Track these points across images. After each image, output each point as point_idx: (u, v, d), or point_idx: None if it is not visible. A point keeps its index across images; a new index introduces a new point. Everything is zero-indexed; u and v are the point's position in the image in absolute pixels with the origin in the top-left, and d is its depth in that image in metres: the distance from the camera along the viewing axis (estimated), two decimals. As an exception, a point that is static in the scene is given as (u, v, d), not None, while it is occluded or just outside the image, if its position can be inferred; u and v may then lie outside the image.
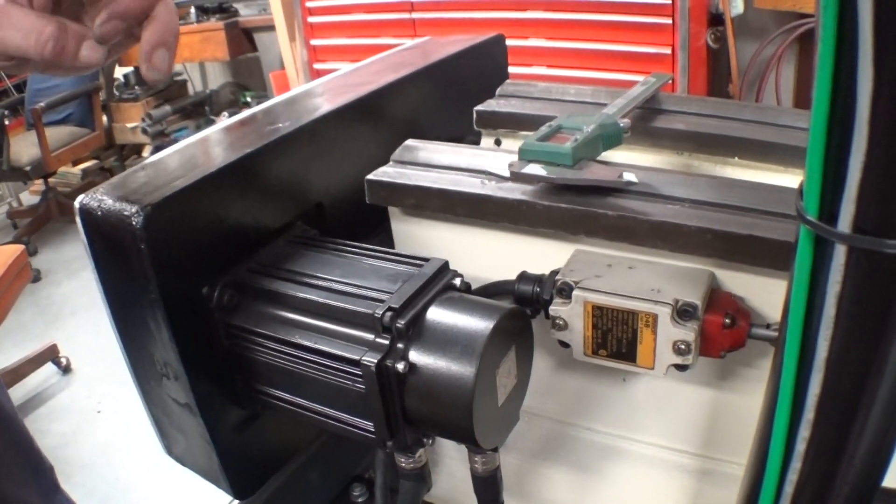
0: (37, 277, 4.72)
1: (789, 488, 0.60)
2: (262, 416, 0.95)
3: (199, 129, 5.84)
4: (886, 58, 0.42)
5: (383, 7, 3.82)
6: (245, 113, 1.04)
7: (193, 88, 6.44)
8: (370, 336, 0.77)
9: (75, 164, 6.02)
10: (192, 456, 0.97)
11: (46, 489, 1.54)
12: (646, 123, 1.13)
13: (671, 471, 1.01)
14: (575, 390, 1.03)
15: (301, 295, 0.84)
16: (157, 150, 5.88)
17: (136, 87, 5.98)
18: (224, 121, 1.02)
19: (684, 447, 0.99)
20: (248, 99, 5.79)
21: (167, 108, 5.89)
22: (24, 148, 5.06)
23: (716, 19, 3.76)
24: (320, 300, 0.82)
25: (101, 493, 2.97)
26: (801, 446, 0.57)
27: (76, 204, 0.85)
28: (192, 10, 5.38)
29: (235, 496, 0.99)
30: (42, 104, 4.91)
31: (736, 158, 1.09)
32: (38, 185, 5.62)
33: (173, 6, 0.75)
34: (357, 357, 0.76)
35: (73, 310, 4.46)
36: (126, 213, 0.78)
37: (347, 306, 0.80)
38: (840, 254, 0.49)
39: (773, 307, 0.80)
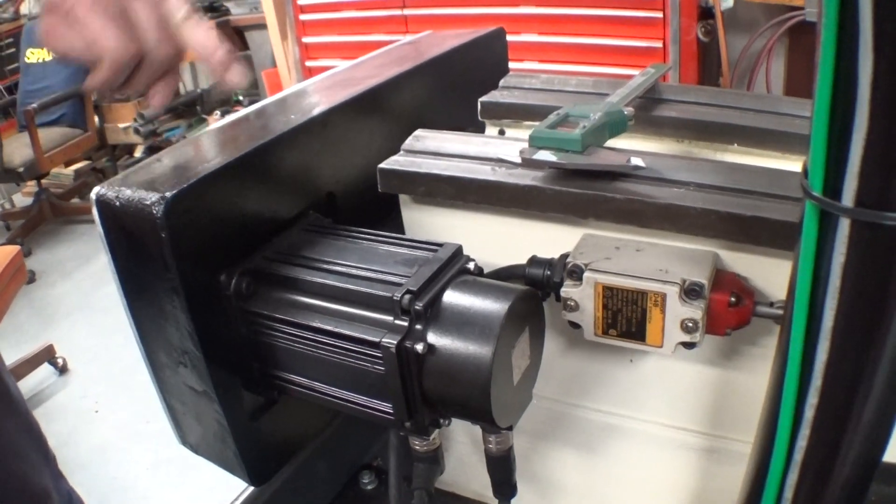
0: (31, 279, 4.72)
1: (799, 455, 0.62)
2: (278, 403, 0.97)
3: (190, 128, 5.85)
4: (885, 41, 0.45)
5: (375, 4, 3.83)
6: (255, 106, 1.06)
7: (185, 88, 6.43)
8: (389, 318, 0.79)
9: (67, 164, 6.02)
10: (207, 444, 0.98)
11: (55, 475, 1.56)
12: (647, 112, 1.16)
13: (678, 449, 1.03)
14: (583, 371, 1.05)
15: (318, 280, 0.85)
16: (149, 149, 5.90)
17: (127, 88, 6.00)
18: (235, 114, 1.04)
19: (690, 426, 1.01)
20: (240, 97, 5.79)
21: (159, 107, 5.89)
22: (16, 149, 5.05)
23: (706, 13, 3.77)
24: (338, 285, 0.84)
25: (99, 493, 2.98)
26: (809, 413, 0.60)
27: (93, 195, 0.86)
28: (183, 10, 5.38)
29: (252, 483, 1.01)
30: (34, 105, 4.90)
31: (735, 145, 1.11)
32: (31, 186, 5.61)
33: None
34: (377, 339, 0.78)
35: (69, 311, 4.46)
36: (147, 202, 0.80)
37: (366, 290, 0.82)
38: (844, 227, 0.52)
39: (777, 286, 0.83)
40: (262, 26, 4.80)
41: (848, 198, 0.50)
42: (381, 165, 0.99)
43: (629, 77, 1.19)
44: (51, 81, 5.39)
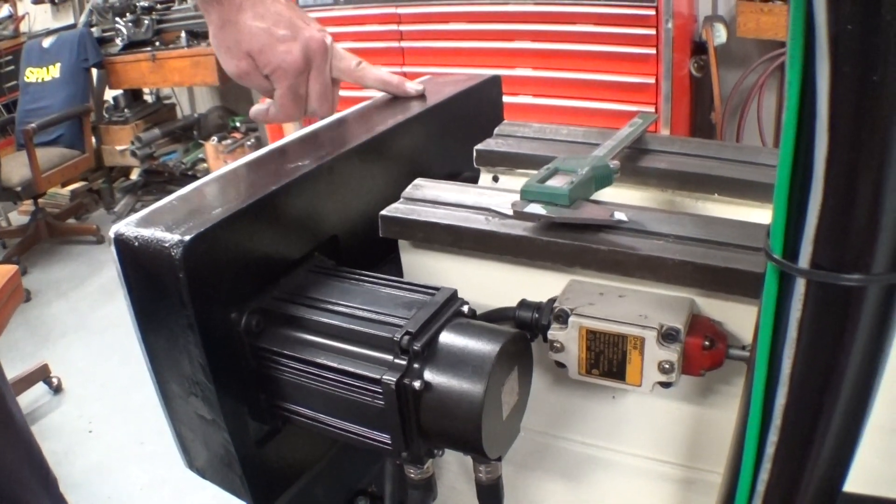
0: (27, 297, 4.73)
1: (761, 487, 0.68)
2: (282, 431, 1.02)
3: (187, 152, 5.87)
4: (838, 126, 0.52)
5: (372, 36, 3.86)
6: (264, 150, 1.11)
7: (182, 112, 6.46)
8: (389, 357, 0.85)
9: (64, 185, 6.03)
10: (214, 469, 1.03)
11: (56, 500, 1.58)
12: (633, 163, 1.21)
13: (657, 480, 1.09)
14: (568, 406, 1.11)
15: (323, 320, 0.91)
16: (145, 172, 5.93)
17: (126, 110, 6.01)
18: (246, 157, 1.09)
19: (669, 458, 1.07)
20: (237, 124, 5.82)
21: (156, 131, 5.90)
22: (14, 168, 5.07)
23: (699, 48, 3.83)
24: (342, 325, 0.90)
25: (94, 512, 3.03)
26: (770, 449, 0.66)
27: (111, 233, 0.91)
28: (183, 34, 5.42)
29: None
30: (33, 125, 4.93)
31: (716, 195, 1.17)
32: (28, 205, 5.62)
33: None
34: (378, 376, 0.84)
35: (64, 331, 4.48)
36: (166, 243, 0.85)
37: (367, 330, 0.88)
38: (800, 286, 0.58)
39: (748, 331, 0.88)
40: (262, 54, 4.82)
41: (804, 260, 0.57)
42: (383, 212, 1.04)
43: (621, 112, 1.26)
44: (50, 101, 5.42)
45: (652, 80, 3.40)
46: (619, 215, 0.95)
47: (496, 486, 1.00)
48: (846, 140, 0.52)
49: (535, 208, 0.96)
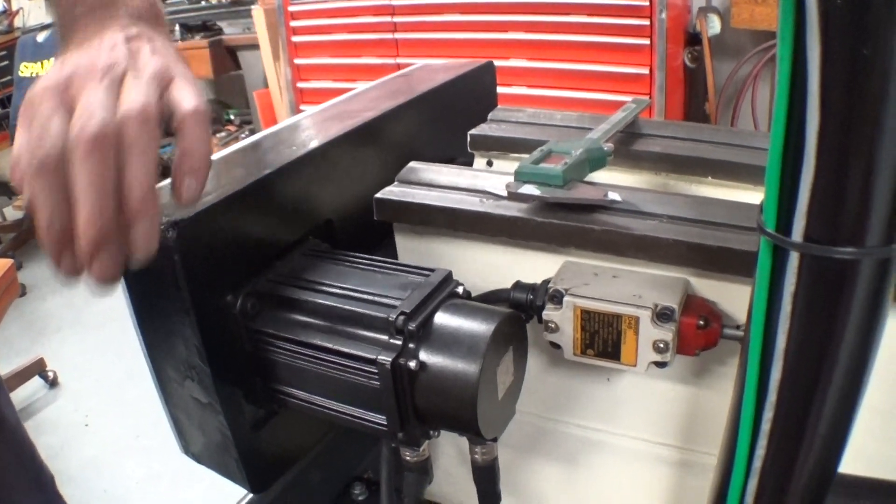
0: (22, 292, 4.72)
1: (758, 464, 0.68)
2: (277, 415, 1.02)
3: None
4: (829, 101, 0.52)
5: (366, 27, 3.86)
6: (257, 136, 1.12)
7: (177, 107, 6.44)
8: (384, 338, 0.85)
9: (58, 181, 6.02)
10: (210, 454, 1.03)
11: (49, 499, 1.57)
12: (627, 147, 1.22)
13: (652, 462, 1.09)
14: (563, 389, 1.11)
15: (319, 301, 0.91)
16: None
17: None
18: (239, 143, 1.09)
19: (664, 440, 1.07)
20: (231, 117, 5.82)
21: (151, 125, 5.90)
22: (8, 162, 5.06)
23: (693, 39, 3.83)
24: (337, 306, 0.90)
25: (90, 507, 3.03)
26: (766, 426, 0.65)
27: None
28: (177, 28, 5.41)
29: (251, 490, 1.06)
30: (28, 121, 4.92)
31: (709, 178, 1.18)
32: (22, 200, 5.61)
33: (202, 126, 0.77)
34: (373, 356, 0.84)
35: (59, 325, 4.48)
36: (161, 226, 0.84)
37: (363, 311, 0.88)
38: (794, 259, 0.58)
39: (742, 311, 0.89)
40: (254, 47, 4.83)
41: (797, 234, 0.57)
42: (377, 195, 1.05)
43: (615, 102, 1.26)
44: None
45: (646, 71, 3.40)
46: (613, 195, 0.95)
47: (492, 467, 1.00)
48: (837, 114, 0.53)
49: (530, 189, 0.96)
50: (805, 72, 0.52)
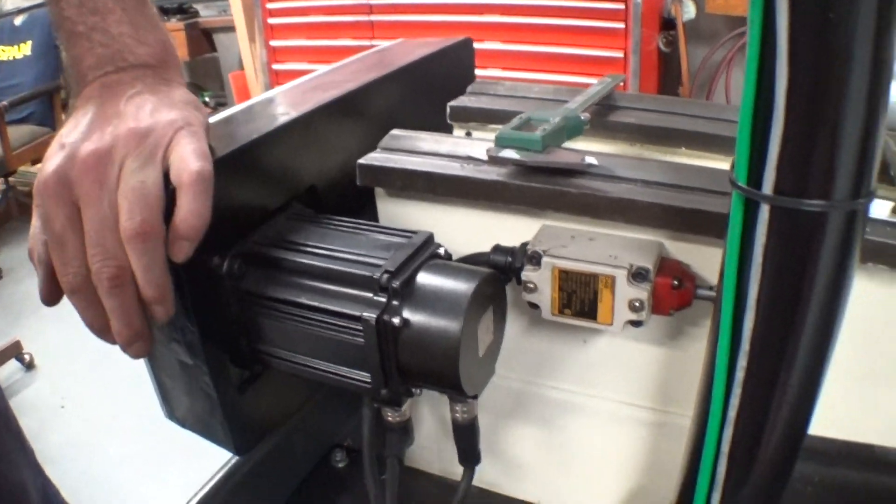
0: (-1, 275, 4.73)
1: (732, 413, 0.70)
2: (262, 376, 1.04)
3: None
4: (797, 61, 0.55)
5: (342, 9, 3.87)
6: (244, 105, 1.13)
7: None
8: (369, 295, 0.87)
9: (34, 163, 6.00)
10: (194, 416, 1.04)
11: (35, 471, 1.57)
12: (602, 118, 1.25)
13: (629, 424, 1.12)
14: (541, 352, 1.13)
15: (304, 261, 0.93)
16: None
17: (96, 87, 5.97)
18: (224, 111, 1.10)
19: (640, 402, 1.10)
20: (206, 99, 5.81)
21: (126, 108, 5.88)
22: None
23: (668, 24, 3.86)
24: (322, 265, 0.92)
25: (69, 487, 2.97)
26: (739, 374, 0.68)
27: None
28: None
29: (236, 451, 1.07)
30: (5, 103, 4.89)
31: (683, 149, 1.21)
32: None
33: (202, 196, 0.82)
34: (358, 313, 0.86)
35: (36, 307, 4.40)
36: None
37: (348, 270, 0.90)
38: (764, 212, 0.61)
39: (715, 273, 0.90)
40: (230, 29, 4.82)
41: (767, 187, 0.60)
42: (360, 161, 1.07)
43: (589, 86, 1.28)
44: (21, 79, 5.39)
45: (620, 55, 3.43)
46: (590, 160, 0.98)
47: (472, 425, 1.02)
48: (805, 73, 0.55)
49: (509, 153, 0.99)
50: (774, 32, 0.55)
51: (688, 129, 1.20)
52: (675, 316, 0.95)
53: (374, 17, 3.83)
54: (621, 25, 3.41)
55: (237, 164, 0.96)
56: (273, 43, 4.21)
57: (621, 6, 3.38)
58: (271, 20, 4.15)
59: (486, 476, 1.24)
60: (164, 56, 0.92)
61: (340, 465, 1.35)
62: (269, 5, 4.11)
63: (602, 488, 1.19)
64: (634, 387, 1.09)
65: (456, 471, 1.07)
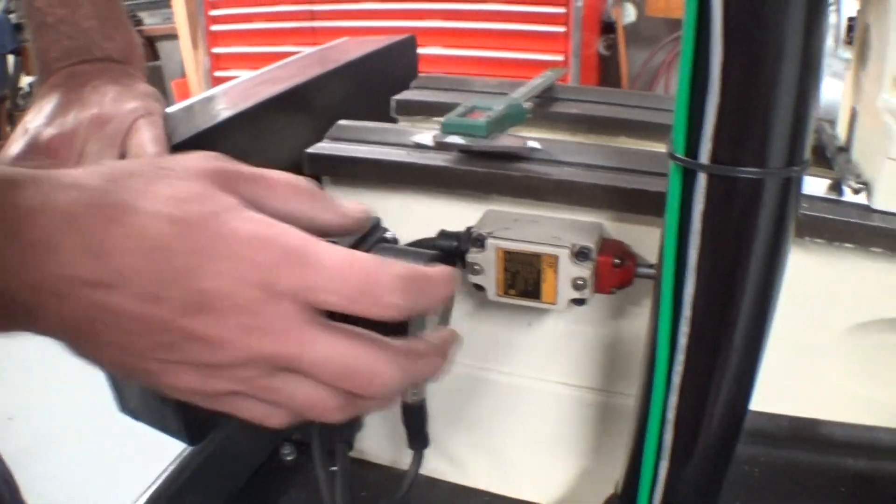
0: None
1: (677, 379, 0.72)
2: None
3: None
4: (731, 34, 0.58)
5: (284, 16, 3.86)
6: (193, 99, 1.14)
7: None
8: (317, 278, 0.89)
9: (-25, 175, 5.94)
10: (146, 407, 1.05)
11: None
12: (544, 109, 1.27)
13: (575, 406, 1.14)
14: (487, 336, 1.15)
15: (254, 248, 0.94)
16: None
17: (40, 97, 5.94)
18: (174, 106, 1.11)
19: (585, 383, 1.12)
20: (153, 111, 5.77)
21: (70, 118, 5.84)
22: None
23: (608, 28, 3.89)
24: (272, 250, 0.93)
25: (23, 491, 3.00)
26: (682, 340, 0.70)
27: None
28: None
29: (189, 441, 1.08)
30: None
31: (623, 138, 1.23)
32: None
33: None
34: (308, 296, 0.87)
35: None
36: None
37: (298, 254, 0.91)
38: (702, 181, 0.64)
39: (654, 252, 0.93)
40: (173, 36, 4.80)
41: (704, 156, 0.62)
42: (308, 150, 1.08)
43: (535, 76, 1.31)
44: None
45: (561, 58, 3.45)
46: (533, 144, 1.00)
47: (421, 407, 1.04)
48: (739, 45, 0.58)
49: (455, 139, 1.01)
50: (709, 6, 0.57)
51: (628, 118, 1.23)
52: (616, 296, 0.98)
53: (316, 24, 3.83)
54: (562, 29, 3.44)
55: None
56: (215, 50, 4.19)
57: (562, 10, 3.41)
58: (214, 27, 4.14)
59: (433, 464, 1.26)
60: (129, 52, 0.95)
61: (289, 458, 1.36)
62: (213, 12, 4.09)
63: (550, 472, 1.21)
64: (579, 369, 1.12)
65: (405, 460, 1.09)
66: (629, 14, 3.90)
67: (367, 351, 0.60)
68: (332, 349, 0.58)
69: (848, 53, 1.07)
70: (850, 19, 1.46)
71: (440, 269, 0.64)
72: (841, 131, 1.08)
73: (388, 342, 0.63)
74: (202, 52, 4.26)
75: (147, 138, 0.83)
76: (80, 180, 0.52)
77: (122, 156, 0.82)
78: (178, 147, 0.94)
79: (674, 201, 0.67)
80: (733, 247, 0.66)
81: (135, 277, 0.51)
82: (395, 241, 0.94)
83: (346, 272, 0.57)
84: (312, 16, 3.82)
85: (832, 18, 1.07)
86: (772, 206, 0.64)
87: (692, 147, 0.64)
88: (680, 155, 0.65)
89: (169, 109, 1.09)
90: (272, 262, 0.54)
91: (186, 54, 4.51)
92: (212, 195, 0.55)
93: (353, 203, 0.71)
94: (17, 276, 0.49)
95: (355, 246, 0.90)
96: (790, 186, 0.64)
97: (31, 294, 0.50)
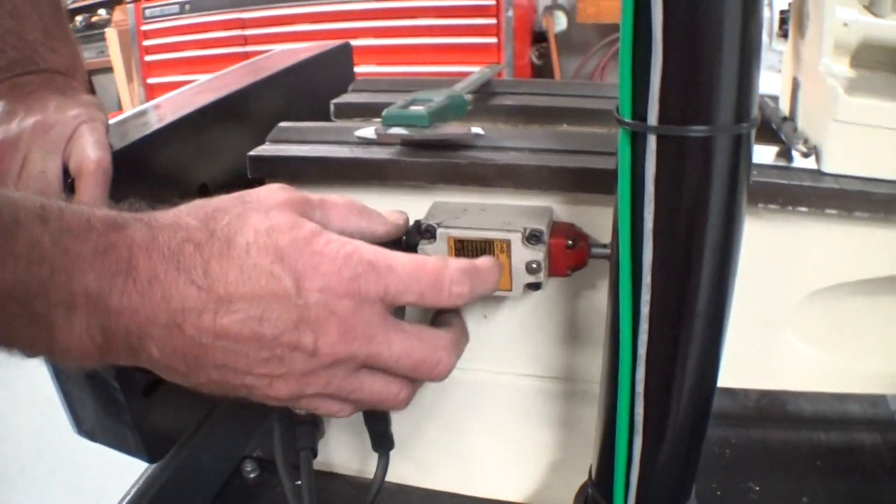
0: None
1: (642, 350, 0.71)
2: (166, 381, 1.03)
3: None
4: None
5: (217, 42, 3.88)
6: (134, 110, 1.13)
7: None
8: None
9: None
10: (102, 426, 1.04)
11: None
12: (484, 103, 1.27)
13: (540, 397, 1.13)
14: (443, 333, 1.13)
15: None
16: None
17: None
18: (117, 117, 1.10)
19: (548, 373, 1.11)
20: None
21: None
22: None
23: (539, 37, 3.93)
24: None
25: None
26: (645, 309, 0.69)
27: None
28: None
29: (148, 458, 1.06)
30: None
31: (564, 126, 1.23)
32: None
33: (100, 186, 0.86)
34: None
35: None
36: None
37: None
38: (652, 142, 0.63)
39: (605, 232, 0.93)
40: (108, 70, 4.79)
41: (652, 118, 0.62)
42: (251, 153, 1.06)
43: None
44: None
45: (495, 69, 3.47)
46: (477, 130, 1.00)
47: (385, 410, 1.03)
48: (679, 3, 0.58)
49: (398, 130, 1.00)
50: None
51: (568, 106, 1.23)
52: (572, 281, 0.97)
53: (248, 48, 3.84)
54: (494, 40, 3.46)
55: (127, 162, 0.95)
56: (150, 80, 4.19)
57: (493, 21, 3.43)
58: (148, 57, 4.14)
59: (400, 470, 1.24)
60: (73, 66, 0.98)
61: (252, 475, 1.34)
62: (146, 42, 4.09)
63: (520, 469, 1.20)
64: (540, 359, 1.11)
65: (372, 468, 1.07)
66: (560, 22, 3.93)
67: (430, 343, 0.74)
68: (406, 345, 0.71)
69: (782, 46, 1.09)
70: (783, 12, 1.48)
71: (488, 260, 0.83)
72: (784, 104, 1.09)
73: (441, 333, 0.78)
74: (137, 84, 4.25)
75: (89, 143, 0.85)
76: (179, 220, 0.63)
77: (66, 161, 0.84)
78: (119, 154, 0.93)
79: (625, 168, 0.67)
80: (688, 208, 0.66)
81: (239, 302, 0.60)
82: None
83: (417, 273, 0.70)
84: (244, 41, 3.82)
85: (765, 13, 1.08)
86: (724, 165, 0.64)
87: (639, 110, 0.63)
88: (628, 119, 0.65)
89: (118, 118, 1.09)
90: (356, 274, 0.65)
91: (121, 87, 4.51)
92: (298, 223, 0.66)
93: (392, 211, 0.88)
94: (133, 310, 0.58)
95: (403, 245, 0.94)
96: (741, 143, 0.64)
97: (142, 326, 0.59)
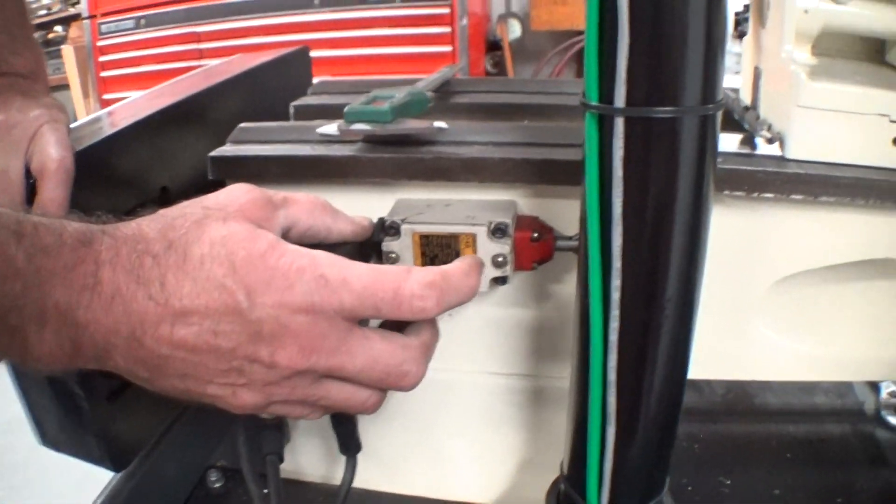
0: None
1: (614, 336, 0.70)
2: (130, 386, 1.02)
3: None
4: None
5: (173, 56, 3.87)
6: (92, 115, 1.13)
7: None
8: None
9: None
10: (66, 435, 1.02)
11: None
12: (444, 101, 1.27)
13: (508, 395, 1.12)
14: (409, 333, 1.12)
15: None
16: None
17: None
18: (78, 121, 1.09)
19: (515, 370, 1.11)
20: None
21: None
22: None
23: (494, 45, 3.94)
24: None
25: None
26: (615, 295, 0.68)
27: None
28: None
29: (113, 467, 1.05)
30: None
31: (526, 122, 1.23)
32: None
33: (62, 185, 0.86)
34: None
35: None
36: None
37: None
38: (619, 125, 0.63)
39: (570, 224, 0.93)
40: (65, 87, 4.77)
41: (619, 100, 0.62)
42: (212, 154, 1.05)
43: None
44: None
45: (451, 77, 3.48)
46: (440, 124, 0.99)
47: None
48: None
49: (360, 126, 0.99)
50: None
51: (529, 102, 1.23)
52: (539, 276, 0.97)
53: (203, 62, 3.81)
54: (449, 49, 3.46)
55: (87, 165, 0.94)
56: (106, 96, 4.17)
57: (448, 30, 3.44)
58: (104, 73, 4.12)
59: (368, 474, 1.23)
60: (36, 70, 0.98)
61: (217, 485, 1.33)
62: (103, 58, 4.07)
63: (490, 469, 1.19)
64: (508, 356, 1.10)
65: (339, 475, 1.06)
66: (514, 30, 3.95)
67: (398, 353, 0.72)
68: (372, 356, 0.70)
69: (738, 47, 1.10)
70: (738, 14, 1.49)
71: (462, 264, 0.78)
72: (745, 94, 1.09)
73: (410, 341, 0.75)
74: (93, 100, 4.23)
75: (51, 142, 0.86)
76: (141, 232, 0.63)
77: (28, 161, 0.85)
78: (78, 157, 0.92)
79: (592, 152, 0.66)
80: (657, 191, 0.66)
81: (194, 316, 0.61)
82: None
83: (372, 288, 0.68)
84: (200, 54, 3.81)
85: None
86: (691, 146, 0.64)
87: (606, 92, 0.63)
88: (594, 102, 0.64)
89: (78, 123, 1.08)
90: (309, 290, 0.64)
91: (78, 103, 4.49)
92: (254, 235, 0.66)
93: (357, 215, 0.88)
94: (98, 322, 0.60)
95: (364, 246, 0.92)
96: (707, 124, 0.64)
97: (107, 337, 0.61)
